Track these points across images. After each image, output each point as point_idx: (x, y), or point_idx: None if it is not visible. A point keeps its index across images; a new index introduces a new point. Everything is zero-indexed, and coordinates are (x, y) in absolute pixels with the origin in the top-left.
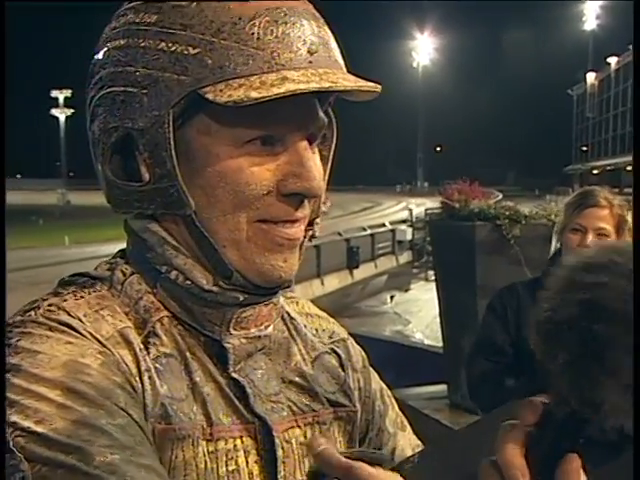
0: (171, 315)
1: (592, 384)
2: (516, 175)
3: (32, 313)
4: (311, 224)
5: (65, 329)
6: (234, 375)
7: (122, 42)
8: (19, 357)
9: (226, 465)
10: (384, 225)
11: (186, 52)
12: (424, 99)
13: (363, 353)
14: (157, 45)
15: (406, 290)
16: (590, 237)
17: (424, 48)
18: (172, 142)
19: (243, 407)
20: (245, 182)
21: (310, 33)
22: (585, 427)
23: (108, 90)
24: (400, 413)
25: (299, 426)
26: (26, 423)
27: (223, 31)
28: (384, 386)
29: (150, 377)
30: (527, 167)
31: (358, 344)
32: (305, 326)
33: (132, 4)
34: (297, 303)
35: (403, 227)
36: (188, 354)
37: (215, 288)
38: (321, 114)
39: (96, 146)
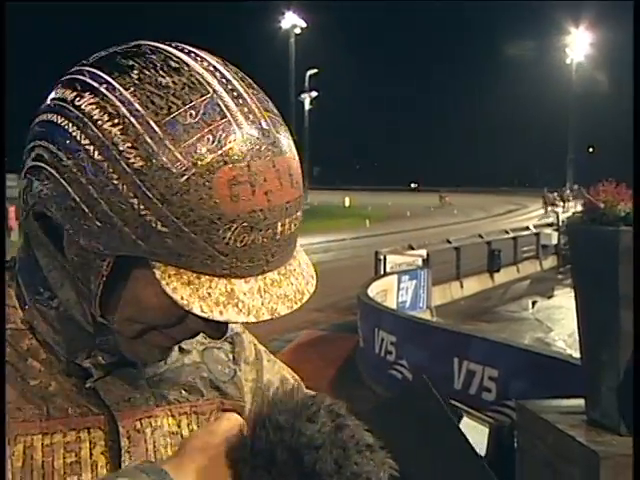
0: (23, 329)
1: None
2: None
3: None
4: None
5: None
6: (88, 384)
7: (98, 157)
8: None
9: (63, 457)
10: (528, 228)
11: (154, 225)
12: (577, 97)
13: (259, 346)
14: (129, 197)
15: (549, 296)
16: None
17: (579, 44)
18: (104, 278)
19: (95, 399)
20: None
21: (279, 235)
22: None
23: (62, 181)
24: None
25: (173, 415)
26: None
27: (198, 225)
28: (289, 377)
29: None
30: None
31: (493, 350)
32: None
33: (121, 119)
34: None
35: (548, 231)
36: (33, 362)
37: (91, 329)
38: None
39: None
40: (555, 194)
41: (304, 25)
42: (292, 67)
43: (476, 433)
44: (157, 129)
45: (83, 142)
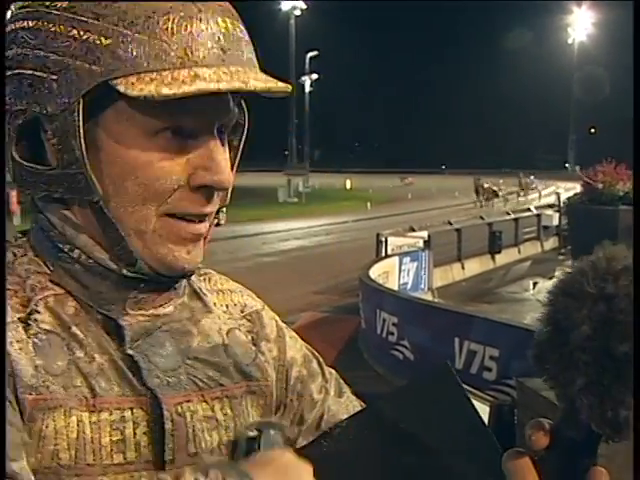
0: (63, 293)
1: (615, 404)
2: None
3: None
4: (217, 212)
5: None
6: (129, 352)
7: (31, 24)
8: None
9: (110, 435)
10: (529, 210)
11: (98, 42)
12: (579, 77)
13: (280, 322)
14: (69, 32)
15: (550, 277)
16: None
17: (581, 23)
18: (82, 130)
19: (136, 380)
20: (155, 176)
21: (224, 30)
22: (597, 446)
23: (15, 72)
24: (339, 380)
25: (205, 401)
26: None
27: (137, 24)
28: (310, 354)
29: (22, 348)
30: None
31: (494, 330)
32: (215, 303)
33: None
34: (209, 280)
35: (549, 212)
36: (76, 330)
37: (117, 268)
38: (232, 106)
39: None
40: (501, 182)
41: (304, 7)
42: (292, 49)
43: None
44: None
45: (18, 25)
